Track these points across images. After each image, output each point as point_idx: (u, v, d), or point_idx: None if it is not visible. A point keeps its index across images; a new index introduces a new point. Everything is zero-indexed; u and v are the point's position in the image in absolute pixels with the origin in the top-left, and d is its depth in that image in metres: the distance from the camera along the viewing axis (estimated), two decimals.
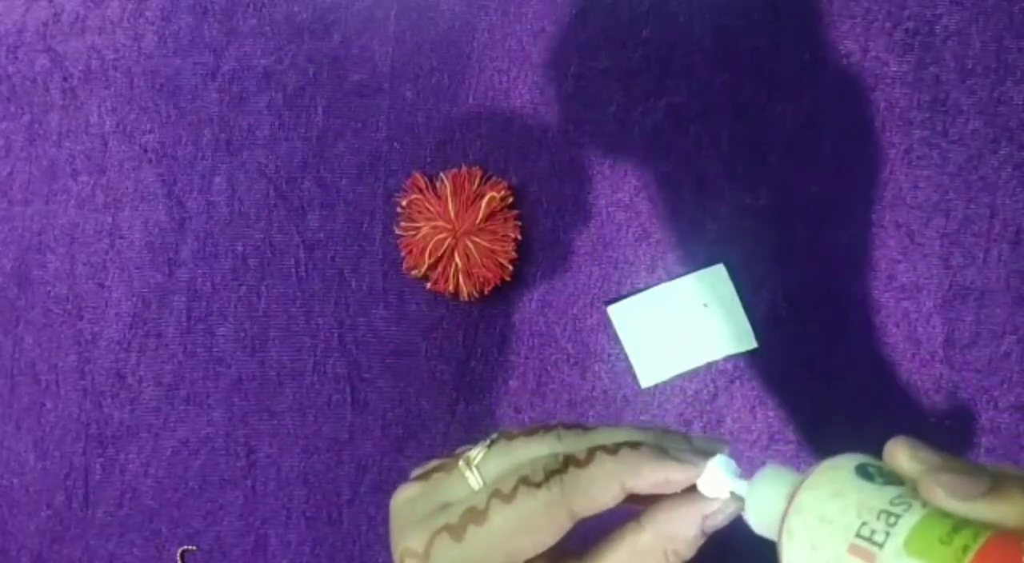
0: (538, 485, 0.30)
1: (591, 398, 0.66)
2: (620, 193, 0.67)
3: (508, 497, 0.30)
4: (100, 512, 0.73)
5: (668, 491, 0.30)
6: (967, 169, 0.63)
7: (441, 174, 0.68)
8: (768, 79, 0.65)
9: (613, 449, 0.30)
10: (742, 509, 0.31)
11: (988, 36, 0.63)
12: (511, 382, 0.67)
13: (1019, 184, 0.62)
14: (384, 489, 0.69)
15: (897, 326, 0.63)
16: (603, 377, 0.66)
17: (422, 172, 0.68)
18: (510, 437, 0.32)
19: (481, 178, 0.67)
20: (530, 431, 0.32)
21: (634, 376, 0.66)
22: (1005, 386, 0.62)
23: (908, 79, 0.64)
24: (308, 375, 0.70)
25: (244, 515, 0.71)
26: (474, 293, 0.66)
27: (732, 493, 0.30)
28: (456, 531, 0.30)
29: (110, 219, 0.74)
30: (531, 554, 0.30)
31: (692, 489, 0.30)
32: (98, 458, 0.73)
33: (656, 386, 0.65)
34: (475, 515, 0.30)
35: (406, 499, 0.33)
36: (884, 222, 0.64)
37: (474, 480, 0.32)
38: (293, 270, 0.71)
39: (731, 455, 0.30)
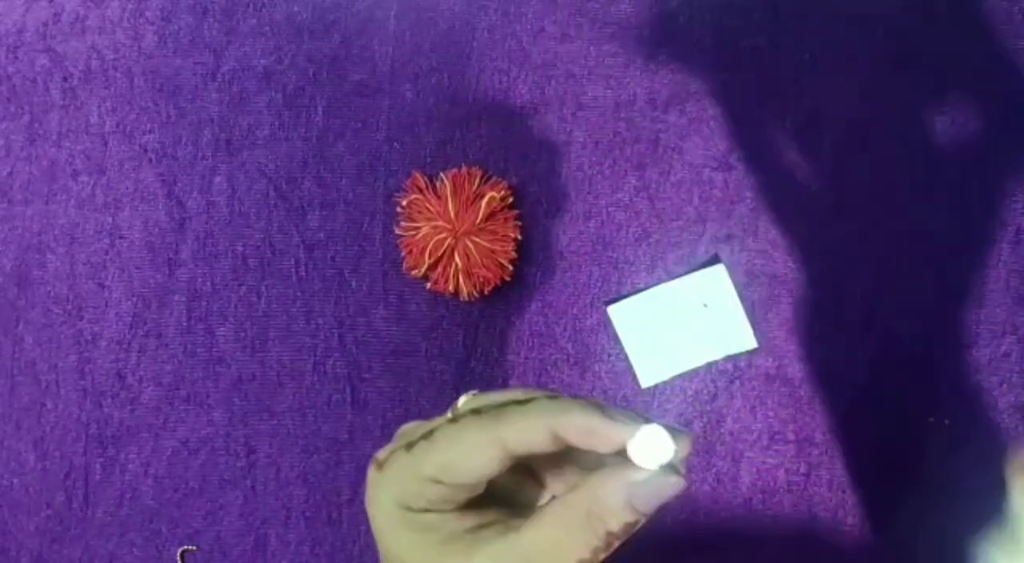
0: (480, 414, 0.32)
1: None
2: (620, 193, 0.67)
3: (455, 422, 0.32)
4: (100, 512, 0.73)
5: (597, 447, 0.31)
6: (967, 169, 0.63)
7: (441, 174, 0.68)
8: (768, 79, 0.65)
9: (554, 396, 0.32)
10: (678, 489, 0.30)
11: (988, 36, 0.63)
12: (511, 382, 0.67)
13: (1019, 184, 0.62)
14: None
15: (897, 326, 0.63)
16: (603, 377, 0.66)
17: (422, 172, 0.68)
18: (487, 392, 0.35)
19: (481, 178, 0.67)
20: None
21: (634, 376, 0.66)
22: (1005, 386, 0.62)
23: (908, 79, 0.64)
24: (308, 375, 0.70)
25: (244, 515, 0.71)
26: (474, 293, 0.66)
27: (663, 467, 0.30)
28: (411, 445, 0.33)
29: (110, 219, 0.74)
30: (464, 476, 0.32)
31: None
32: (98, 458, 0.73)
33: (656, 386, 0.65)
34: (428, 434, 0.33)
35: (401, 430, 0.36)
36: (884, 222, 0.64)
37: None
38: (293, 270, 0.71)
39: (695, 443, 0.31)
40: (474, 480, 0.32)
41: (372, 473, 0.34)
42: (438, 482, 0.32)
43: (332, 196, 0.71)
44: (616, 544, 0.31)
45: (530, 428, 0.31)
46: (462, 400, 0.34)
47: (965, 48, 0.63)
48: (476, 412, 0.32)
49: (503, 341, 0.68)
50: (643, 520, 0.31)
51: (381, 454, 0.34)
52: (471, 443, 0.31)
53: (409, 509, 0.33)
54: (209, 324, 0.72)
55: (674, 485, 0.30)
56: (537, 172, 0.68)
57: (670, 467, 0.30)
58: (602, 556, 0.31)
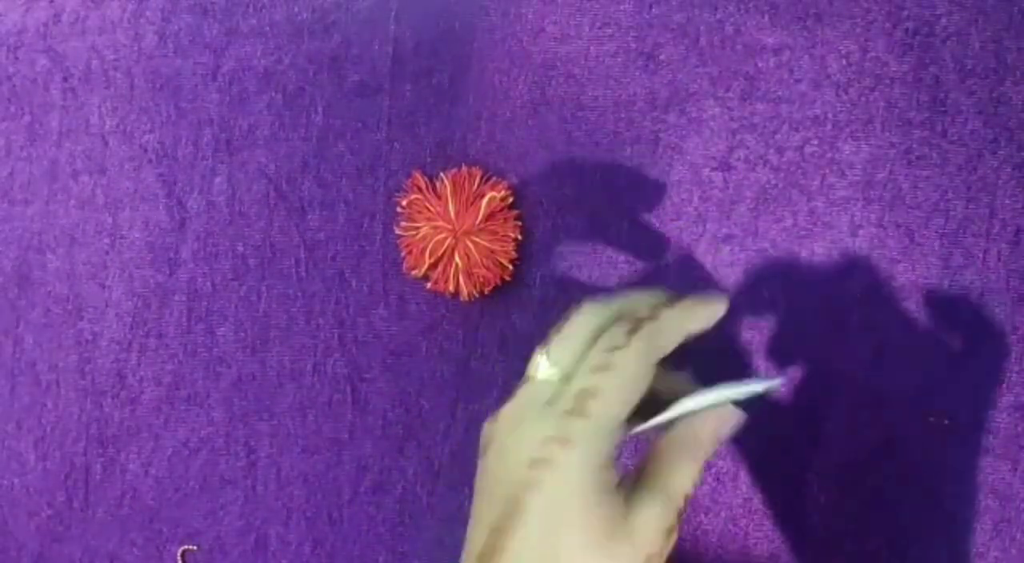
0: (625, 345, 0.34)
1: None
2: (620, 193, 0.67)
3: (604, 367, 0.35)
4: (100, 512, 0.73)
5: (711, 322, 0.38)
6: (967, 169, 0.63)
7: (441, 174, 0.68)
8: (768, 79, 0.65)
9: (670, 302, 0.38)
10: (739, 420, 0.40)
11: (988, 36, 0.63)
12: (511, 382, 0.67)
13: (1019, 184, 0.62)
14: (384, 489, 0.70)
15: (897, 326, 0.63)
16: None
17: (422, 172, 0.68)
18: (556, 333, 0.39)
19: (481, 178, 0.67)
20: (568, 321, 0.40)
21: None
22: (1005, 386, 0.62)
23: (908, 79, 0.64)
24: (308, 375, 0.70)
25: (244, 515, 0.71)
26: (474, 293, 0.66)
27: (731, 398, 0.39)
28: (579, 411, 0.34)
29: (110, 219, 0.74)
30: (634, 403, 0.35)
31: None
32: (98, 458, 0.73)
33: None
34: (585, 393, 0.34)
35: (506, 416, 0.38)
36: (884, 222, 0.64)
37: (553, 372, 0.37)
38: (293, 270, 0.71)
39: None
40: (638, 399, 0.35)
41: (555, 452, 0.34)
42: (621, 426, 0.35)
43: (332, 196, 0.71)
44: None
45: (673, 340, 0.36)
46: (541, 358, 0.38)
47: (965, 48, 0.63)
48: (614, 348, 0.35)
49: (503, 341, 0.68)
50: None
51: (549, 432, 0.34)
52: (638, 373, 0.35)
53: (609, 467, 0.34)
54: (209, 324, 0.72)
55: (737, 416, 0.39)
56: (537, 172, 0.68)
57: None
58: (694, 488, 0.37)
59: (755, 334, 0.64)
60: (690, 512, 0.65)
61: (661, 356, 0.35)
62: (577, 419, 0.34)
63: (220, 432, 0.72)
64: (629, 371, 0.34)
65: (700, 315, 0.37)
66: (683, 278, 0.66)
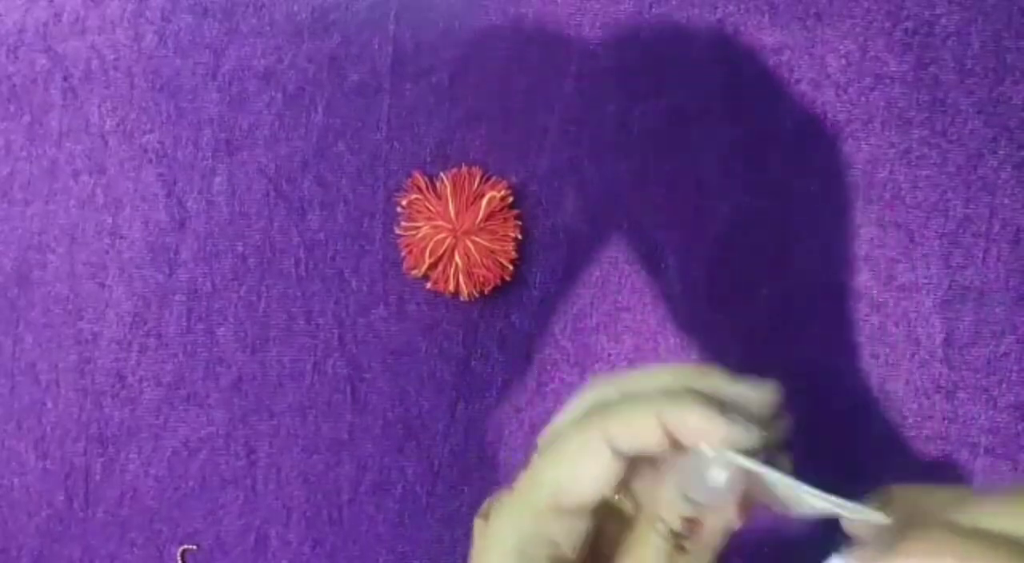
0: (576, 424, 0.29)
1: None
2: (620, 192, 0.67)
3: (549, 442, 0.29)
4: (100, 512, 0.73)
5: (707, 445, 0.29)
6: (966, 169, 0.63)
7: (441, 174, 0.68)
8: (768, 79, 0.65)
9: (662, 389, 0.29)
10: (722, 477, 0.28)
11: (987, 36, 0.63)
12: (511, 382, 0.67)
13: (1019, 184, 0.62)
14: (384, 489, 0.70)
15: (897, 326, 0.63)
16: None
17: (422, 172, 0.68)
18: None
19: (481, 178, 0.67)
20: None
21: None
22: (1004, 386, 0.62)
23: (907, 79, 0.64)
24: (308, 375, 0.70)
25: (244, 515, 0.71)
26: (474, 293, 0.66)
27: (719, 451, 0.27)
28: (511, 486, 0.30)
29: (110, 219, 0.74)
30: (580, 491, 0.28)
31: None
32: (98, 458, 0.73)
33: None
34: (524, 468, 0.29)
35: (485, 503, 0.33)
36: (884, 222, 0.64)
37: None
38: (293, 270, 0.71)
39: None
40: (590, 492, 0.28)
41: (478, 526, 0.30)
42: (557, 511, 0.28)
43: (332, 196, 0.71)
44: (701, 554, 0.28)
45: (637, 419, 0.28)
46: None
47: (964, 48, 0.63)
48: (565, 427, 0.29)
49: (503, 341, 0.68)
50: (714, 519, 0.29)
51: (484, 506, 0.30)
52: (575, 449, 0.28)
53: (527, 560, 0.28)
54: (209, 324, 0.72)
55: (721, 465, 0.29)
56: (537, 172, 0.68)
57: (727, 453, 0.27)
58: None
59: (754, 334, 0.64)
60: None
61: (623, 435, 0.28)
62: (505, 495, 0.29)
63: (220, 432, 0.72)
64: (565, 449, 0.28)
65: (687, 408, 0.27)
66: (682, 278, 0.66)
